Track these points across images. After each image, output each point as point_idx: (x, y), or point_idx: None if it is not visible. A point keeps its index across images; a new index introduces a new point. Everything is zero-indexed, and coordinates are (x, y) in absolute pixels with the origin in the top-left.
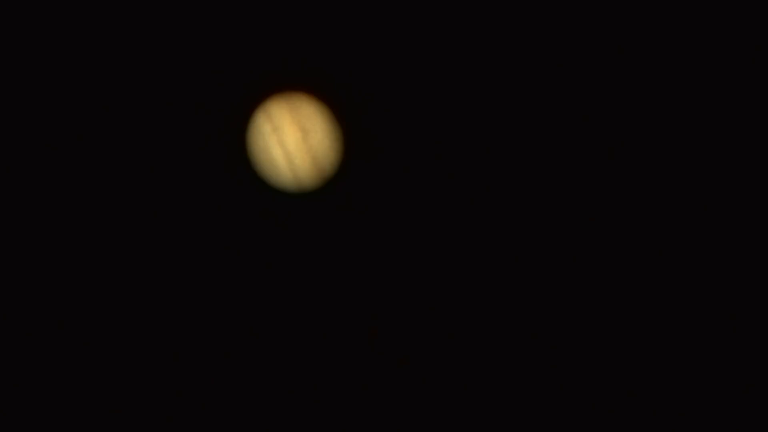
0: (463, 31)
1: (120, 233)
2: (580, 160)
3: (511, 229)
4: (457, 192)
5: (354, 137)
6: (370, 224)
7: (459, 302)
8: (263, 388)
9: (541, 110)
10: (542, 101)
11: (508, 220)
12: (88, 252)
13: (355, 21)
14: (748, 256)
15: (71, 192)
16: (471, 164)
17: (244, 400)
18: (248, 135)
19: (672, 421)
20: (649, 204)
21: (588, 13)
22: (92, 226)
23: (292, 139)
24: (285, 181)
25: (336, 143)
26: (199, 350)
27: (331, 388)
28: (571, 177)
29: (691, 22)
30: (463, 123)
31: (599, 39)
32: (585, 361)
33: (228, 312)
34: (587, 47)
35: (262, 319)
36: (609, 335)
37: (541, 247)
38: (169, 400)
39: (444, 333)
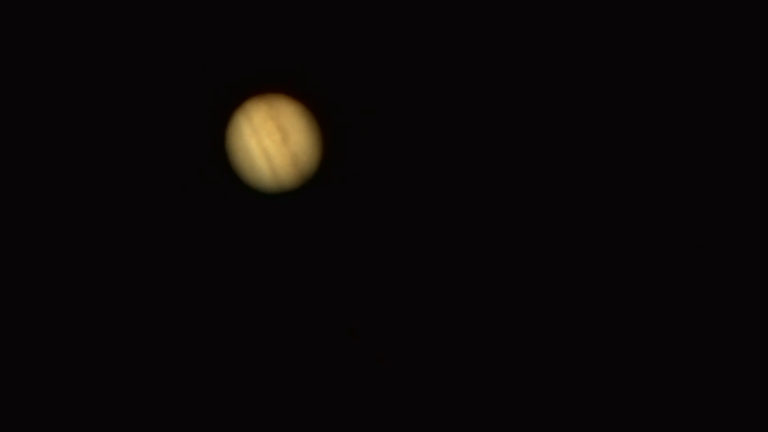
0: (443, 32)
1: (96, 235)
2: (563, 159)
3: (495, 230)
4: (438, 192)
5: (334, 138)
6: (350, 224)
7: (442, 303)
8: (246, 391)
9: (522, 112)
10: (524, 103)
11: (490, 219)
12: (61, 254)
13: (335, 23)
14: (748, 256)
15: (44, 193)
16: (452, 165)
17: (227, 403)
18: (228, 136)
19: (672, 421)
20: (645, 206)
21: (561, 12)
22: (67, 228)
23: (272, 140)
24: (264, 181)
25: (315, 144)
26: (178, 353)
27: (310, 391)
28: (556, 177)
29: (692, 23)
30: (444, 123)
31: (575, 38)
32: (581, 363)
33: (207, 313)
34: (566, 47)
35: (241, 320)
36: (605, 340)
37: (531, 248)
38: (155, 402)
39: (427, 335)
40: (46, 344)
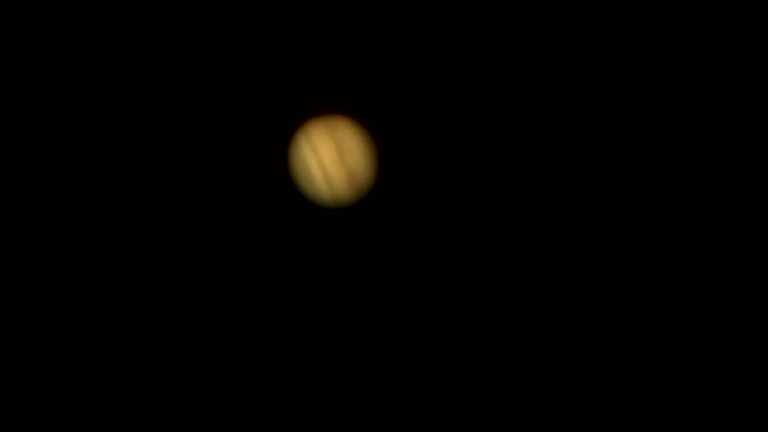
0: (500, 56)
1: (163, 246)
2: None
3: (552, 249)
4: (493, 213)
5: (388, 157)
6: (402, 237)
7: (497, 320)
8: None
9: (579, 132)
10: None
11: (548, 237)
12: (127, 264)
13: (393, 47)
14: (748, 257)
15: (114, 201)
16: (508, 186)
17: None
18: (289, 154)
19: (672, 421)
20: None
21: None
22: (134, 240)
23: (330, 158)
24: (323, 196)
25: (370, 162)
26: (235, 364)
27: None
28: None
29: (692, 22)
30: (501, 145)
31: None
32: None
33: (265, 321)
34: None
35: (297, 327)
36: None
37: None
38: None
39: (481, 351)
40: (98, 342)
